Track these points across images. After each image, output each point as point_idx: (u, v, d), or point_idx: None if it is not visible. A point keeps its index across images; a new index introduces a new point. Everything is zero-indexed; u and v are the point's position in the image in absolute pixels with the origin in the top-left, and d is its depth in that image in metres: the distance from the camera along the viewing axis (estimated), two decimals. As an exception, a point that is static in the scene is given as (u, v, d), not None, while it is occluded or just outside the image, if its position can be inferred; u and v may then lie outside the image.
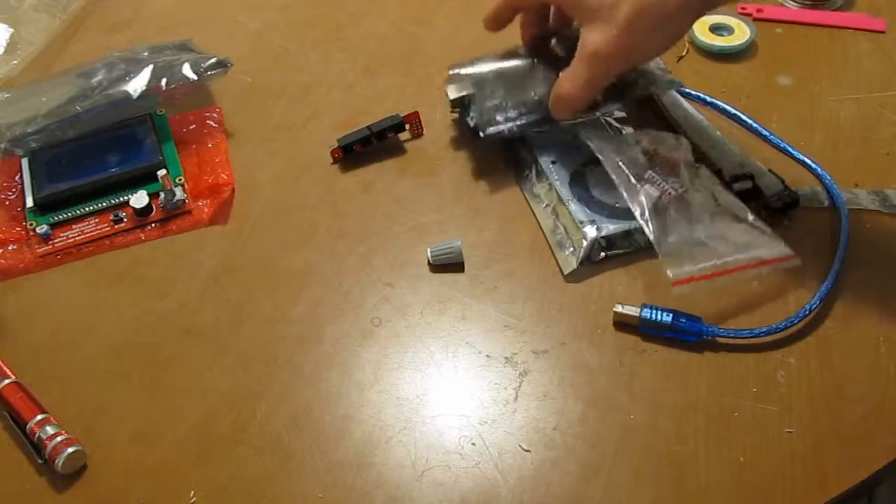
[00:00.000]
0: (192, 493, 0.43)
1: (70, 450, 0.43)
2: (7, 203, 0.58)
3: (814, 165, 0.57)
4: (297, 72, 0.68)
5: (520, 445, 0.44)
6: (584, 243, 0.51)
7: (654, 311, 0.48)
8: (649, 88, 0.58)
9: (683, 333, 0.47)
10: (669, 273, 0.48)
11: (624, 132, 0.59)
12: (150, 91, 0.60)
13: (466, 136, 0.60)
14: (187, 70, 0.61)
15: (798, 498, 0.41)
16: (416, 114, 0.61)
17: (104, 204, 0.57)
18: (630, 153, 0.54)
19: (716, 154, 0.56)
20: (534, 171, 0.56)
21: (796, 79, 0.64)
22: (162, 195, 0.57)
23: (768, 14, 0.70)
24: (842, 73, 0.65)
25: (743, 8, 0.70)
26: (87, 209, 0.57)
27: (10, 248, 0.55)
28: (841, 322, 0.48)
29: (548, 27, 0.58)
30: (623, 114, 0.61)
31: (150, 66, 0.61)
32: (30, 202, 0.57)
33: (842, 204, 0.54)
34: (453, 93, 0.58)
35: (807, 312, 0.48)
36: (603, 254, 0.52)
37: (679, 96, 0.61)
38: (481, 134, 0.56)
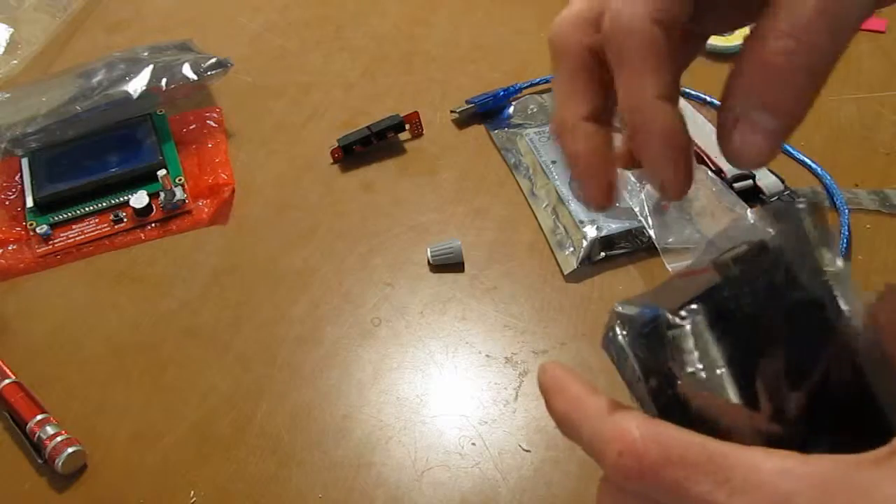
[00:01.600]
0: (192, 493, 0.43)
1: (70, 450, 0.43)
2: (7, 203, 0.58)
3: (814, 165, 0.57)
4: (297, 72, 0.68)
5: (520, 445, 0.44)
6: (584, 243, 0.51)
7: (655, 312, 0.47)
8: None
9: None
10: (669, 266, 0.48)
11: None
12: (150, 91, 0.60)
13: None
14: (187, 70, 0.61)
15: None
16: (416, 114, 0.61)
17: (104, 204, 0.57)
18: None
19: (716, 154, 0.56)
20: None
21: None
22: (162, 195, 0.56)
23: (768, 14, 0.70)
24: (842, 73, 0.65)
25: (743, 8, 0.70)
26: (87, 209, 0.57)
27: (10, 248, 0.55)
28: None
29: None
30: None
31: (150, 66, 0.61)
32: (30, 202, 0.57)
33: (842, 204, 0.54)
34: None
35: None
36: (603, 253, 0.52)
37: (679, 96, 0.61)
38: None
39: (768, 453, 0.20)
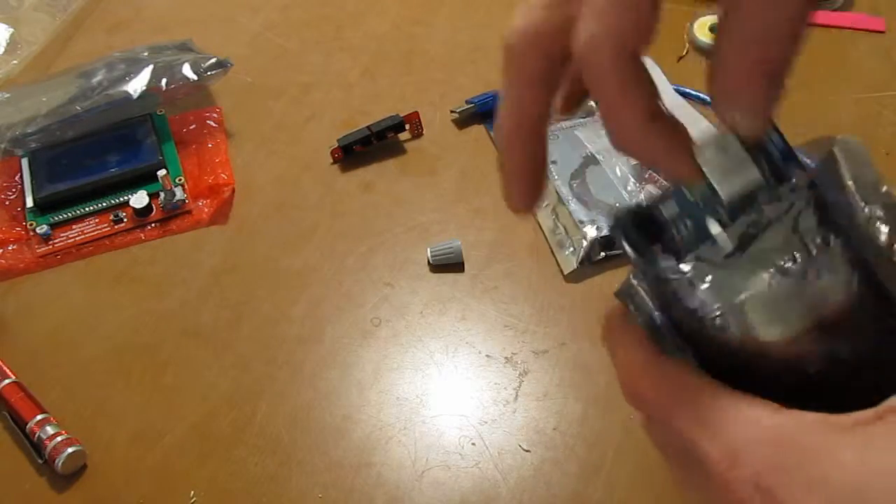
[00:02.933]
0: (192, 493, 0.43)
1: (70, 450, 0.43)
2: (7, 203, 0.58)
3: (814, 166, 0.57)
4: (297, 72, 0.68)
5: (520, 445, 0.44)
6: (584, 243, 0.51)
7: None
8: None
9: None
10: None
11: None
12: (150, 91, 0.60)
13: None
14: (187, 70, 0.61)
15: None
16: (416, 114, 0.61)
17: (104, 204, 0.57)
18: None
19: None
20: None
21: (796, 79, 0.64)
22: (162, 195, 0.56)
23: (768, 14, 0.70)
24: (842, 73, 0.65)
25: (743, 8, 0.70)
26: (87, 209, 0.57)
27: (10, 248, 0.55)
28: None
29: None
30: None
31: (150, 66, 0.61)
32: (30, 202, 0.56)
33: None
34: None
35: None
36: (603, 253, 0.52)
37: (679, 96, 0.61)
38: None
39: (749, 400, 0.20)
